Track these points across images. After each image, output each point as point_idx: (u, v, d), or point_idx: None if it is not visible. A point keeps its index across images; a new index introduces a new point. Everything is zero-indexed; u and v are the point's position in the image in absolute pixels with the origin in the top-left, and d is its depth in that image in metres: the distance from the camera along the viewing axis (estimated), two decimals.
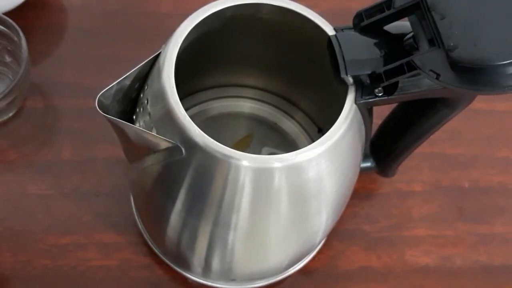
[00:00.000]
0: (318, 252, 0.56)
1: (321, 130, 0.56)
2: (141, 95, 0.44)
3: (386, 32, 0.41)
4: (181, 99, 0.39)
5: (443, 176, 0.60)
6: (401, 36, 0.41)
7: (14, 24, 0.56)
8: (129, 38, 0.65)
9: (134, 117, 0.45)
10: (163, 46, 0.42)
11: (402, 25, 0.41)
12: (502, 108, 0.64)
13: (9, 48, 0.59)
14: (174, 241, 0.48)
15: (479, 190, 0.60)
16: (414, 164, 0.60)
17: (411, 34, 0.40)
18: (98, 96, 0.39)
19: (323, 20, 0.43)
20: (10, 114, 0.59)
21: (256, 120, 0.59)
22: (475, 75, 0.36)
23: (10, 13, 0.61)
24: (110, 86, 0.40)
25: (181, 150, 0.39)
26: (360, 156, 0.46)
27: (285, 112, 0.59)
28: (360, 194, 0.59)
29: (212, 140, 0.38)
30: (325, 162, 0.40)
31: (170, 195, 0.43)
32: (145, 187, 0.46)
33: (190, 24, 0.42)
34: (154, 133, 0.40)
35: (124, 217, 0.56)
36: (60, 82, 0.62)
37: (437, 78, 0.36)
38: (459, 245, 0.57)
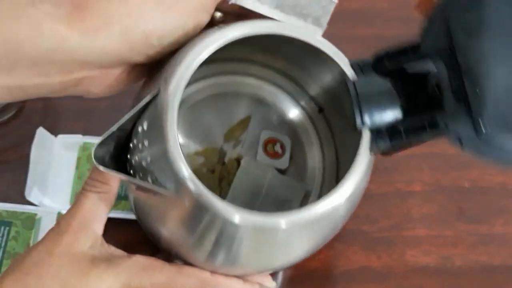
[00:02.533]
0: (318, 252, 0.56)
1: (322, 110, 0.55)
2: (139, 129, 0.41)
3: (406, 72, 0.38)
4: None
5: (443, 176, 0.60)
6: (422, 76, 0.37)
7: None
8: None
9: (129, 154, 0.43)
10: (163, 83, 0.39)
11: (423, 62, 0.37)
12: None
13: None
14: None
15: (479, 190, 0.60)
16: (414, 164, 0.60)
17: (433, 75, 0.36)
18: (93, 151, 0.38)
19: (337, 52, 0.41)
20: (10, 114, 0.59)
21: (257, 100, 0.56)
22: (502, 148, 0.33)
23: None
24: (104, 138, 0.39)
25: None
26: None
27: (286, 92, 0.56)
28: None
29: (206, 189, 0.37)
30: (338, 212, 0.40)
31: (164, 230, 0.43)
32: (143, 216, 0.46)
33: (192, 64, 0.39)
34: (151, 184, 0.39)
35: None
36: None
37: (460, 144, 0.34)
38: (459, 245, 0.57)
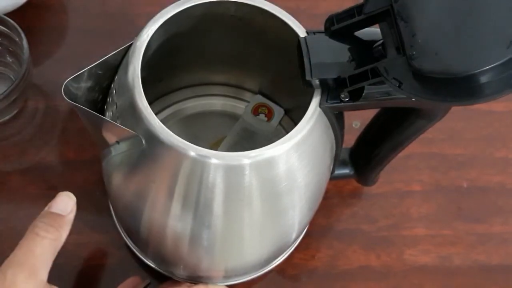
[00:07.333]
0: (318, 252, 0.56)
1: (287, 111, 0.57)
2: (112, 85, 0.44)
3: (357, 38, 0.41)
4: (155, 100, 0.38)
5: (442, 176, 0.61)
6: (371, 43, 0.40)
7: (15, 25, 0.57)
8: (129, 39, 0.64)
9: (105, 106, 0.45)
10: (135, 37, 0.42)
11: (375, 32, 0.40)
12: (501, 108, 0.64)
13: (10, 48, 0.59)
14: (145, 239, 0.48)
15: (477, 189, 0.60)
16: (413, 164, 0.60)
17: (380, 41, 0.39)
18: (65, 82, 0.39)
19: (296, 22, 0.43)
20: (12, 114, 0.60)
21: (234, 118, 0.58)
22: (436, 85, 0.35)
23: (12, 14, 0.61)
24: (80, 72, 0.40)
25: (141, 141, 0.39)
26: (330, 159, 0.46)
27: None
28: (359, 194, 0.59)
29: (170, 132, 0.38)
30: (288, 160, 0.40)
31: (131, 187, 0.43)
32: (111, 179, 0.46)
33: (162, 17, 0.42)
34: (117, 123, 0.40)
35: None
36: (61, 83, 0.61)
37: (399, 87, 0.36)
38: (457, 245, 0.58)
